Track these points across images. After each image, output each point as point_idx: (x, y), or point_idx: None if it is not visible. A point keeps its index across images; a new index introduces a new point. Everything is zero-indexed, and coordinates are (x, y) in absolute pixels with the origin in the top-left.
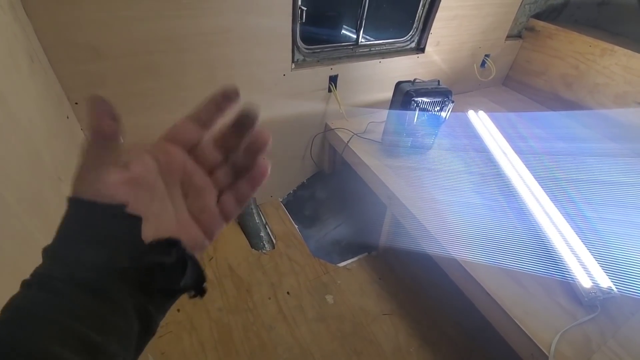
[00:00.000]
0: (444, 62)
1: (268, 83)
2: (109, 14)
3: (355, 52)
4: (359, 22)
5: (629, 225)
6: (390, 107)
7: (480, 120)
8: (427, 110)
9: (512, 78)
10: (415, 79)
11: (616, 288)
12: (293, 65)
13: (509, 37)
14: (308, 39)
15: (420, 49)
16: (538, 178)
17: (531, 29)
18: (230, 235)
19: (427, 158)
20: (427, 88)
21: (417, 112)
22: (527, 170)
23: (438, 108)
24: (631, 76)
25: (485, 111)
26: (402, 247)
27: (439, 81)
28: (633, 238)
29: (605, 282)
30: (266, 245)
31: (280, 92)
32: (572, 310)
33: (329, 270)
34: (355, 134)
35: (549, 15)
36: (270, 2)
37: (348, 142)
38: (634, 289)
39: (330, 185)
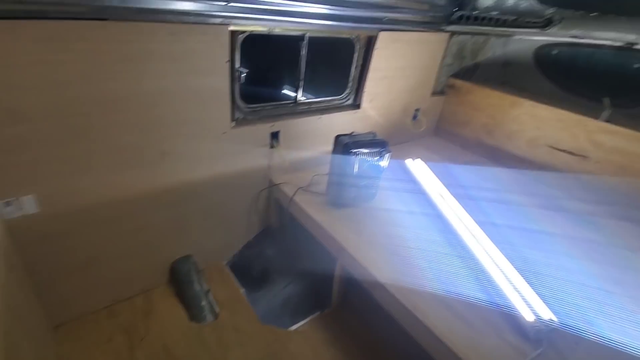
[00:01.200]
0: (379, 116)
1: (209, 141)
2: (31, 75)
3: (296, 109)
4: (298, 82)
5: (556, 267)
6: (332, 160)
7: (418, 168)
8: (367, 161)
9: (442, 128)
10: (352, 132)
11: (557, 318)
12: (233, 123)
13: (434, 93)
14: (249, 98)
15: (356, 105)
16: (474, 218)
17: (452, 87)
18: (166, 309)
19: (373, 206)
20: (364, 140)
21: (357, 162)
22: (463, 210)
23: (377, 158)
24: (538, 122)
25: (422, 159)
26: (355, 301)
27: (374, 133)
28: (563, 272)
29: (546, 314)
30: (208, 316)
31: (222, 150)
32: (521, 346)
33: (279, 336)
34: (300, 188)
35: (464, 74)
36: (209, 64)
37: (293, 196)
38: (572, 318)
39: (278, 242)
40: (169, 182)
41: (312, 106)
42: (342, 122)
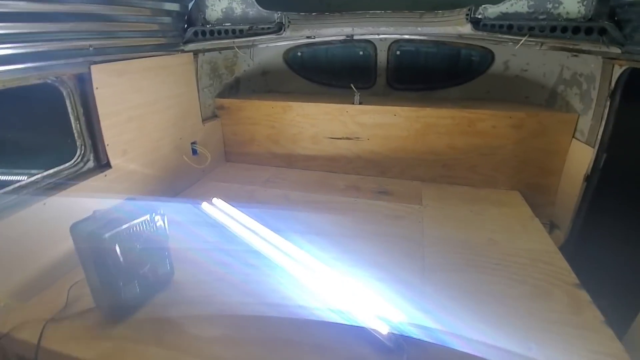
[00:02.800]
0: (145, 166)
1: None
2: None
3: None
4: None
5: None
6: (82, 260)
7: (218, 208)
8: (135, 239)
9: (231, 152)
10: (94, 211)
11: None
12: None
13: (205, 120)
14: None
15: (103, 165)
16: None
17: (222, 108)
18: None
19: (174, 288)
20: (116, 214)
21: (118, 248)
22: (281, 238)
23: (148, 228)
24: (311, 120)
25: (219, 195)
26: None
27: (133, 198)
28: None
29: (396, 319)
30: None
31: None
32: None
33: None
34: (50, 320)
35: (229, 92)
36: None
37: (40, 340)
38: (420, 323)
39: None
40: None
41: (25, 190)
42: (90, 195)
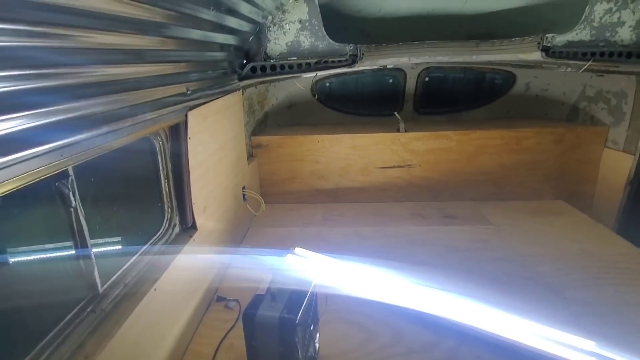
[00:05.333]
0: (218, 222)
1: None
2: None
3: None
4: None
5: None
6: (259, 353)
7: (309, 260)
8: (308, 319)
9: (267, 193)
10: (266, 288)
11: None
12: None
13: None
14: None
15: (189, 227)
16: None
17: (259, 146)
18: None
19: None
20: (281, 293)
21: (300, 333)
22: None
23: (311, 303)
24: (361, 151)
25: (282, 240)
26: None
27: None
28: None
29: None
30: None
31: None
32: None
33: None
34: None
35: (258, 128)
36: None
37: None
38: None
39: None
40: None
41: (128, 277)
42: (188, 268)
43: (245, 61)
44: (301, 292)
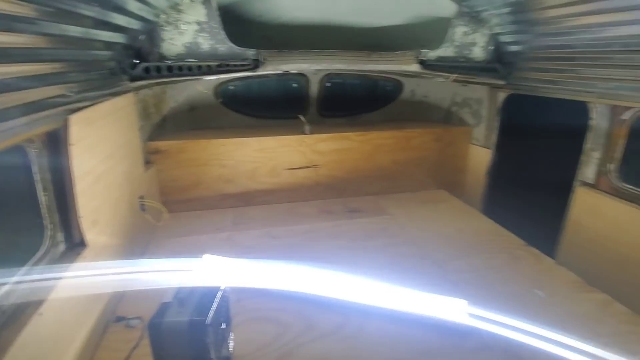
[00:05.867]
0: (111, 236)
1: None
2: None
3: None
4: None
5: None
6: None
7: (217, 265)
8: (220, 320)
9: (169, 201)
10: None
11: None
12: None
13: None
14: None
15: (77, 244)
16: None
17: (156, 152)
18: None
19: None
20: (189, 296)
21: (213, 334)
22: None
23: (224, 304)
24: (270, 153)
25: (191, 250)
26: None
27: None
28: None
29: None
30: None
31: None
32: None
33: None
34: None
35: (155, 133)
36: None
37: None
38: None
39: None
40: None
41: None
42: (70, 289)
43: (137, 61)
44: (210, 295)
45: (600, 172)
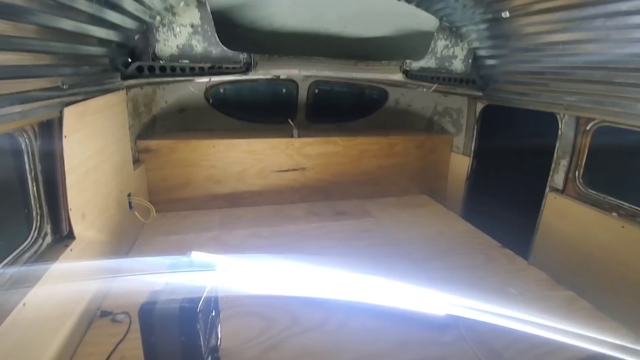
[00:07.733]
0: (100, 231)
1: None
2: None
3: None
4: None
5: None
6: (158, 347)
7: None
8: (210, 309)
9: (158, 201)
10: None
11: None
12: None
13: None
14: None
15: (65, 237)
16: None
17: (146, 151)
18: None
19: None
20: (179, 286)
21: (202, 322)
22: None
23: (213, 294)
24: (256, 156)
25: (178, 249)
26: None
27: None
28: None
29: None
30: None
31: None
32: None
33: None
34: None
35: (146, 132)
36: None
37: None
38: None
39: None
40: None
41: None
42: (55, 281)
43: (130, 59)
44: (200, 286)
45: (568, 179)
